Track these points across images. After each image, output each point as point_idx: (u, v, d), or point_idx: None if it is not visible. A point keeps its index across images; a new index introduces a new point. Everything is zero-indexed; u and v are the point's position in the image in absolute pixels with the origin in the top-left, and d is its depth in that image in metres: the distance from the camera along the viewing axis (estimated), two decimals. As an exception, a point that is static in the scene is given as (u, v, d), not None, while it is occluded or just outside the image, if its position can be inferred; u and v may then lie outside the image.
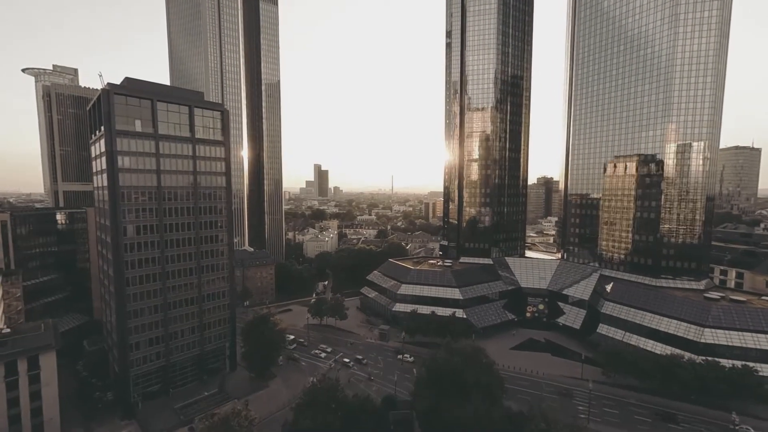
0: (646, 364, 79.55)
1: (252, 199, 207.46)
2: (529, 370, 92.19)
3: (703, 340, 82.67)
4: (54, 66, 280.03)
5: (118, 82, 76.37)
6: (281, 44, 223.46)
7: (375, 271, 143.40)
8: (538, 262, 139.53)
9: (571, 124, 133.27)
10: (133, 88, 74.82)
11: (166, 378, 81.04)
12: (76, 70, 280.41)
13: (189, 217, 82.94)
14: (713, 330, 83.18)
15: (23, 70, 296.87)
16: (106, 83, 71.96)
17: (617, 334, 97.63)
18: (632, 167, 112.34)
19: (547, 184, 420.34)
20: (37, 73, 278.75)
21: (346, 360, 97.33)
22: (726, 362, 76.36)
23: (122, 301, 74.17)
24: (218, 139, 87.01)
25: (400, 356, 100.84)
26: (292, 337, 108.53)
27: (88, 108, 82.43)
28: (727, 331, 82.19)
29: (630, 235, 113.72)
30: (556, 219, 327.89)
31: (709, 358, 77.61)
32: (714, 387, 72.89)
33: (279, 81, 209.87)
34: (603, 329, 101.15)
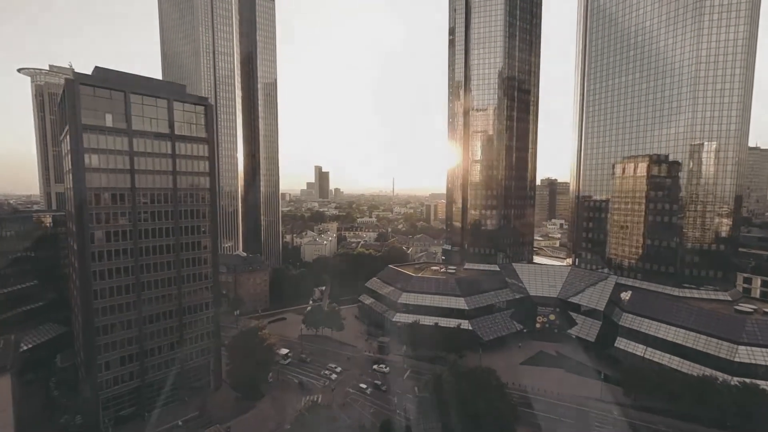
0: (674, 386, 71.49)
1: (248, 201, 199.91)
2: (542, 390, 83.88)
3: (737, 359, 74.36)
4: (50, 66, 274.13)
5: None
6: (279, 42, 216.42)
7: (374, 278, 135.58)
8: (547, 268, 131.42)
9: (584, 121, 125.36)
10: (102, 78, 67.30)
11: (141, 400, 73.18)
12: (73, 71, 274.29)
13: (168, 222, 75.24)
14: (749, 347, 74.84)
15: (19, 70, 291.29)
16: (71, 73, 64.49)
17: (638, 349, 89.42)
18: (651, 168, 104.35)
19: (551, 185, 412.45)
20: (32, 73, 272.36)
21: (363, 386, 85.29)
22: (767, 385, 68.18)
23: (89, 316, 66.44)
24: (201, 136, 79.38)
25: (375, 366, 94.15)
26: (286, 351, 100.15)
27: (58, 102, 75.25)
28: (765, 349, 73.87)
29: (649, 240, 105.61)
30: (561, 222, 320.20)
31: (747, 380, 69.43)
32: (757, 413, 64.47)
33: (276, 79, 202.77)
34: (621, 343, 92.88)
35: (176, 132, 74.98)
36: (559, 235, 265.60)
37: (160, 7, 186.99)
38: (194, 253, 79.81)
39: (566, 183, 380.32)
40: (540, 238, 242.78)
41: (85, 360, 68.10)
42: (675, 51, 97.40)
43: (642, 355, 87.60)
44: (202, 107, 79.25)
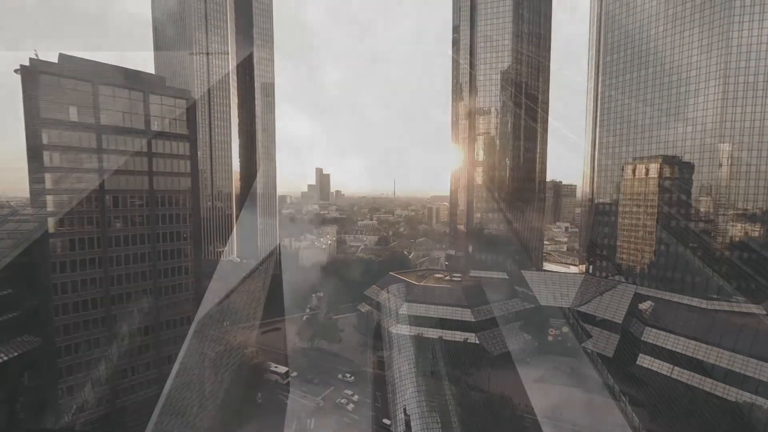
0: (710, 412, 63.47)
1: (244, 203, 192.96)
2: (558, 413, 75.69)
3: (780, 383, 66.23)
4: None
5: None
6: (279, 41, 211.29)
7: (374, 285, 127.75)
8: (558, 276, 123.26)
9: (598, 120, 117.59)
10: (67, 66, 60.05)
11: (111, 427, 65.50)
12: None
13: (143, 228, 67.79)
14: (793, 370, 66.71)
15: (16, 71, 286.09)
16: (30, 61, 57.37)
17: (663, 367, 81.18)
18: (673, 168, 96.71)
19: (555, 188, 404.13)
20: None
21: (386, 422, 74.76)
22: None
23: (49, 335, 59.01)
24: (182, 132, 72.09)
25: (340, 375, 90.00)
26: (285, 369, 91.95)
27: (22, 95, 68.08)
28: (813, 373, 65.77)
29: (671, 246, 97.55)
30: (566, 225, 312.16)
31: (794, 409, 61.35)
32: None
33: (273, 78, 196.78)
34: (644, 361, 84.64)
35: (153, 128, 67.68)
36: (565, 239, 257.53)
37: (153, 7, 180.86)
38: (174, 262, 72.27)
39: (571, 185, 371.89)
40: (547, 242, 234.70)
41: (47, 383, 60.58)
42: (702, 42, 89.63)
43: (668, 374, 79.34)
44: (183, 101, 71.87)
